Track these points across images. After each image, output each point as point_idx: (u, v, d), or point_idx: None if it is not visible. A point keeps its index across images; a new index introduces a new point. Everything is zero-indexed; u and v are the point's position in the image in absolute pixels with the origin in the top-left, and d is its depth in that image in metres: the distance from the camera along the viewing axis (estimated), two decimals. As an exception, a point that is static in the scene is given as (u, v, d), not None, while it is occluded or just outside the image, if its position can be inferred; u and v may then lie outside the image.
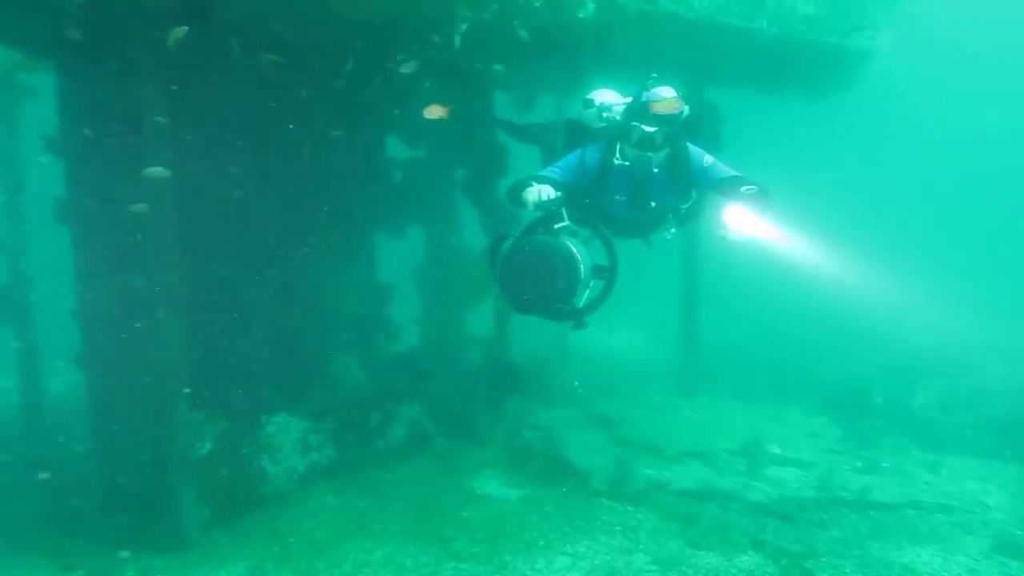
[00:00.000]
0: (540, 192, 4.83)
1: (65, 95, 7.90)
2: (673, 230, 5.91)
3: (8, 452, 9.12)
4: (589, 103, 5.88)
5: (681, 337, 13.30)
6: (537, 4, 6.54)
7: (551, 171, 5.45)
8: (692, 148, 5.46)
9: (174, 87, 6.93)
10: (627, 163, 5.30)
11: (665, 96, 5.30)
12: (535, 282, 4.45)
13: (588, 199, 5.57)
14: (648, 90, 5.38)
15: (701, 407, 12.03)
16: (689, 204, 5.66)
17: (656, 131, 5.13)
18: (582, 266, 4.47)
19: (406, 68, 7.62)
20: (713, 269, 13.56)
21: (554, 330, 14.81)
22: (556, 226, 4.82)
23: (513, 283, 4.56)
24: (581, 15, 6.60)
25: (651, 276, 20.00)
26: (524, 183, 5.00)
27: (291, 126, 8.49)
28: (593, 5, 6.61)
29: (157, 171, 6.80)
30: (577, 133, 5.99)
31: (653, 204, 5.50)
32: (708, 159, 5.47)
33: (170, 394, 7.06)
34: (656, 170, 5.31)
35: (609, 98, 5.88)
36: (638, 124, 5.16)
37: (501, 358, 10.51)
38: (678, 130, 5.33)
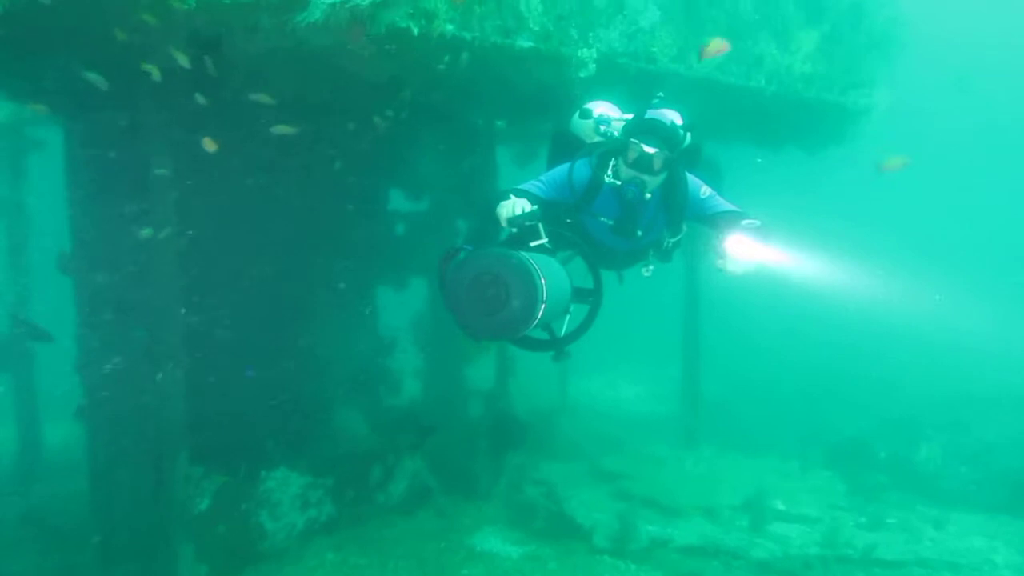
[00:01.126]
0: (514, 206, 4.29)
1: (72, 148, 8.02)
2: (651, 267, 5.30)
3: (5, 504, 9.05)
4: (586, 113, 5.36)
5: (683, 389, 13.24)
6: (540, 64, 6.63)
7: (533, 185, 4.95)
8: (690, 178, 5.01)
9: (180, 141, 7.01)
10: (619, 183, 4.76)
11: (671, 118, 4.93)
12: (485, 303, 3.65)
13: (570, 219, 5.01)
14: (654, 109, 5.01)
15: (704, 460, 11.94)
16: (678, 239, 5.16)
17: (657, 153, 4.64)
18: (542, 284, 3.66)
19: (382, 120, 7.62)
20: (715, 320, 13.57)
21: (556, 382, 14.83)
22: (532, 244, 4.17)
23: (459, 305, 3.74)
24: (583, 75, 6.69)
25: (652, 327, 20.02)
26: (500, 196, 4.49)
27: (294, 179, 8.58)
28: (594, 66, 6.71)
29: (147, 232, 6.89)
30: (566, 146, 5.40)
31: (640, 233, 4.96)
32: (705, 190, 5.04)
33: (170, 448, 7.03)
34: (649, 195, 4.78)
35: (609, 111, 5.40)
36: (638, 142, 4.65)
37: (503, 411, 10.45)
38: (678, 156, 4.88)
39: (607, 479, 10.53)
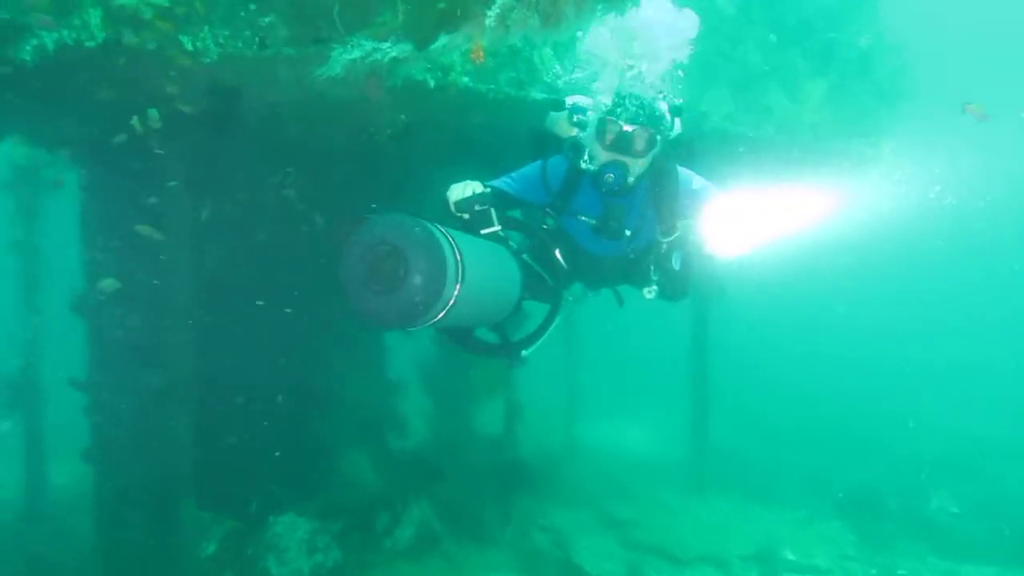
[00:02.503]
0: (464, 188, 3.89)
1: (87, 190, 8.11)
2: (654, 287, 4.57)
3: (11, 546, 9.01)
4: (559, 104, 4.66)
5: (691, 434, 13.18)
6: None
7: (501, 182, 4.47)
8: (681, 169, 4.46)
9: (195, 185, 7.10)
10: (596, 169, 4.19)
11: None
12: (380, 280, 2.97)
13: (548, 223, 4.49)
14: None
15: (713, 508, 11.83)
16: (672, 238, 4.48)
17: (637, 130, 4.06)
18: (456, 260, 3.01)
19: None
20: (722, 362, 13.54)
21: (562, 426, 14.76)
22: (484, 232, 3.77)
23: (350, 282, 3.08)
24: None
25: (658, 369, 19.97)
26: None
27: (304, 220, 8.65)
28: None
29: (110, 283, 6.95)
30: (543, 146, 4.72)
31: (628, 232, 4.39)
32: (699, 181, 4.48)
33: (177, 492, 7.02)
34: (632, 179, 4.21)
35: (584, 101, 4.63)
36: (615, 120, 4.08)
37: (510, 456, 10.42)
38: (666, 142, 4.30)
39: (615, 526, 10.44)
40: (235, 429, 7.78)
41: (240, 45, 4.96)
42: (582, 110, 4.45)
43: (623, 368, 21.98)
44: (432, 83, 5.66)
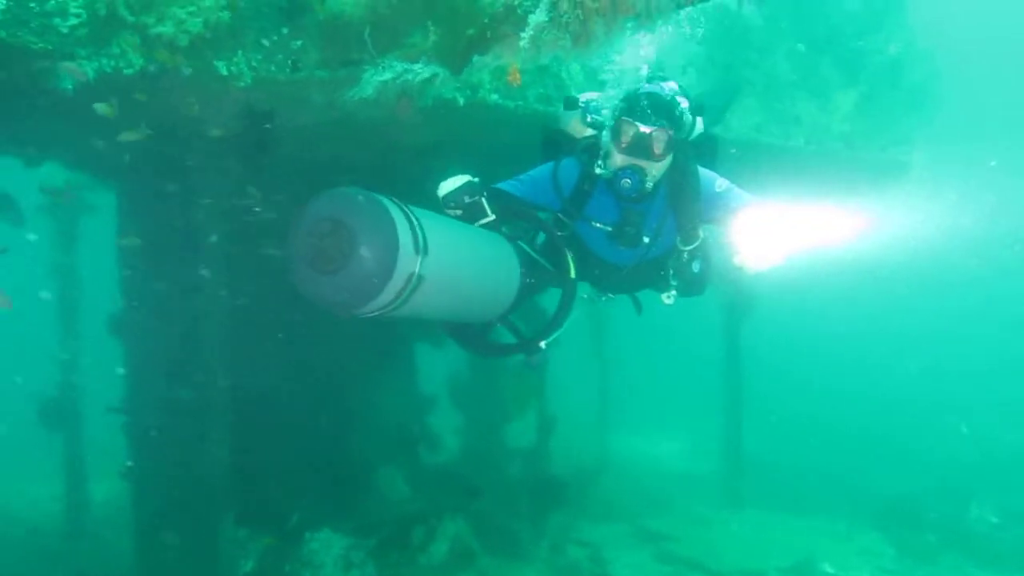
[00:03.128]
0: (451, 183, 3.67)
1: (123, 213, 8.25)
2: (673, 293, 4.27)
3: (53, 562, 9.14)
4: (572, 102, 4.40)
5: (725, 446, 13.09)
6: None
7: (508, 184, 4.18)
8: (703, 171, 4.14)
9: (229, 207, 7.20)
10: (611, 174, 3.89)
11: (672, 93, 3.99)
12: (324, 257, 2.66)
13: (560, 230, 4.14)
14: (650, 84, 4.04)
15: (749, 521, 11.73)
16: (693, 247, 4.15)
17: (655, 132, 3.75)
18: (414, 232, 2.72)
19: None
20: (756, 373, 13.45)
21: (595, 439, 14.72)
22: (480, 223, 3.56)
23: (294, 262, 2.80)
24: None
25: (691, 380, 19.85)
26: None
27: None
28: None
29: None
30: (556, 148, 4.39)
31: (646, 239, 4.09)
32: (722, 183, 4.16)
33: (216, 510, 7.09)
34: (650, 185, 3.90)
35: (600, 101, 4.30)
36: (631, 121, 3.77)
37: (543, 470, 10.41)
38: (684, 140, 4.00)
39: (651, 540, 10.38)
40: (271, 446, 7.85)
41: (273, 69, 5.04)
42: (596, 110, 4.20)
43: (656, 380, 21.88)
44: (462, 101, 5.72)
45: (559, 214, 4.13)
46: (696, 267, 4.21)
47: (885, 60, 9.43)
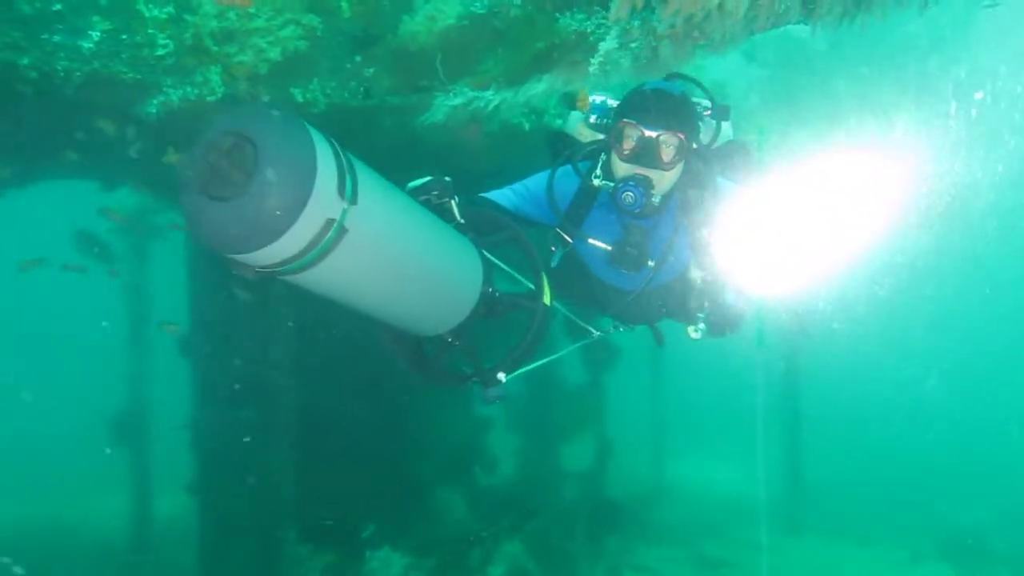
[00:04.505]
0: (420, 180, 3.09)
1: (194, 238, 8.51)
2: (701, 326, 3.62)
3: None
4: (572, 99, 3.85)
5: (784, 472, 12.91)
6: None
7: (498, 193, 3.66)
8: (725, 184, 3.54)
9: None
10: (611, 185, 3.31)
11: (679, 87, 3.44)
12: (222, 180, 2.07)
13: (557, 246, 3.67)
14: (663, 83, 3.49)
15: (808, 549, 11.53)
16: (711, 272, 3.55)
17: (662, 136, 3.21)
18: (332, 160, 2.11)
19: None
20: (816, 398, 13.27)
21: (651, 463, 14.63)
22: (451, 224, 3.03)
23: (186, 190, 2.10)
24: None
25: (748, 405, 19.61)
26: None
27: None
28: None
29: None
30: (560, 150, 3.72)
31: (651, 262, 3.47)
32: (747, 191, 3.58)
33: (279, 526, 7.22)
34: (657, 199, 3.32)
35: (607, 98, 3.76)
36: (635, 123, 3.21)
37: (600, 493, 10.39)
38: (704, 148, 3.47)
39: (708, 566, 10.27)
40: (334, 465, 7.98)
41: (346, 95, 5.20)
42: (604, 111, 3.65)
43: (712, 404, 21.65)
44: (527, 126, 5.82)
45: (557, 229, 3.60)
46: (729, 298, 3.59)
47: (949, 83, 9.34)
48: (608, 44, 4.07)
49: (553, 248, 3.62)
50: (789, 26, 5.81)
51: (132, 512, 11.17)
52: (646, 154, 3.19)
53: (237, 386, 7.86)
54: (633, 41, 3.74)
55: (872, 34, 8.80)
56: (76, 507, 12.53)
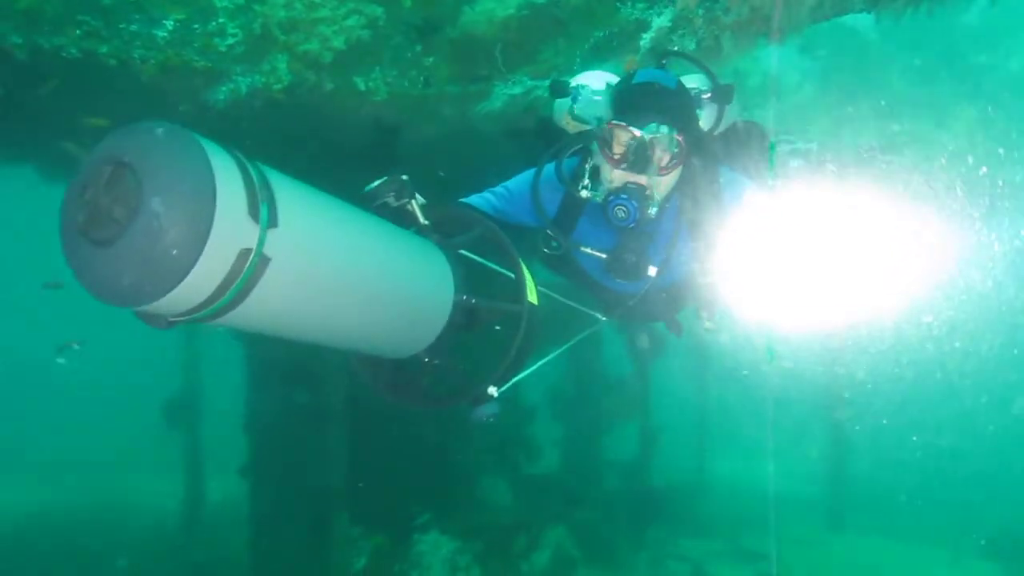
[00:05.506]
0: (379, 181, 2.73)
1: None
2: (716, 316, 3.45)
3: (173, 555, 9.62)
4: (560, 87, 3.26)
5: (827, 468, 12.84)
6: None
7: (479, 198, 3.36)
8: (728, 174, 3.18)
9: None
10: (601, 197, 2.95)
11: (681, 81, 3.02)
12: (101, 218, 1.64)
13: (549, 247, 3.27)
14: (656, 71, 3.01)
15: (849, 545, 11.48)
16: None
17: (657, 137, 2.82)
18: (238, 175, 1.70)
19: None
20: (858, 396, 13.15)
21: (693, 456, 14.61)
22: (414, 228, 2.66)
23: (66, 235, 1.72)
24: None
25: (794, 404, 19.49)
26: None
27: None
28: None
29: None
30: (551, 143, 3.29)
31: (651, 271, 3.12)
32: (755, 192, 3.19)
33: (332, 509, 7.39)
34: (654, 209, 2.94)
35: (595, 82, 3.24)
36: (623, 124, 2.83)
37: (643, 483, 10.44)
38: (706, 137, 3.13)
39: (749, 559, 10.26)
40: (384, 449, 8.12)
41: (406, 84, 5.31)
42: (588, 100, 3.14)
43: (757, 400, 21.49)
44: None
45: (548, 231, 3.23)
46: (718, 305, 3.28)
47: (1005, 75, 9.22)
48: (667, 32, 4.12)
49: (546, 250, 3.24)
50: (844, 16, 5.83)
51: (186, 494, 11.45)
52: (639, 159, 2.82)
53: (289, 370, 8.06)
54: (697, 30, 3.78)
55: (926, 24, 8.73)
56: (130, 488, 12.88)
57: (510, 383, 2.60)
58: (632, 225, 2.85)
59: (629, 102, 2.84)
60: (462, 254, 2.66)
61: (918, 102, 8.41)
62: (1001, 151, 9.04)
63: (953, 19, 8.77)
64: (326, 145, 6.51)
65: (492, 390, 2.54)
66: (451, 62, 5.30)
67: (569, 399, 11.12)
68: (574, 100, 3.15)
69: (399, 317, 2.31)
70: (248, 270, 1.68)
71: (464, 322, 2.51)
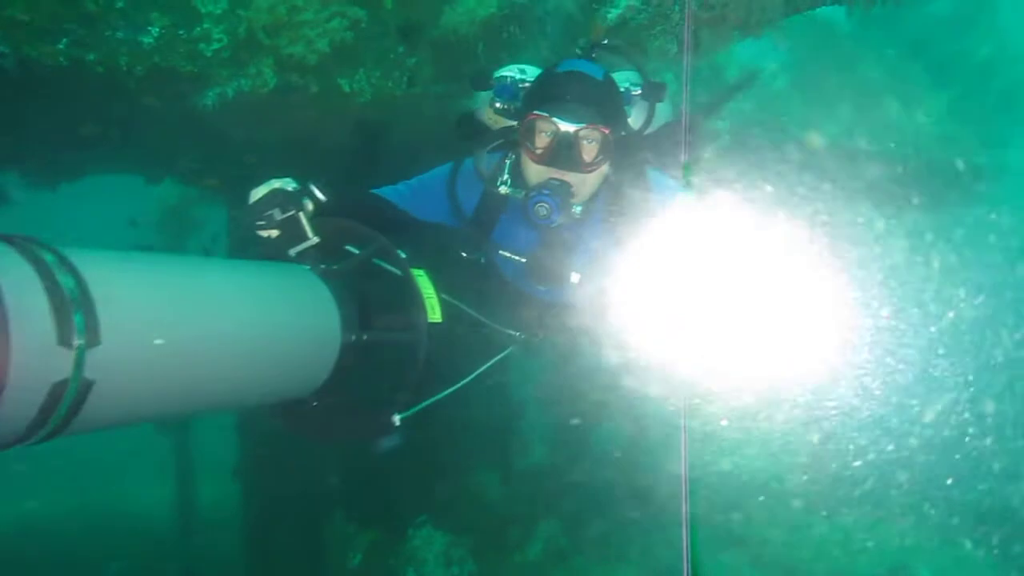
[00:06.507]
0: (261, 190, 2.43)
1: (234, 227, 8.74)
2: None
3: (165, 560, 9.65)
4: (481, 79, 3.12)
5: (813, 449, 12.98)
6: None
7: (394, 191, 3.03)
8: (658, 177, 2.94)
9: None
10: (522, 194, 2.74)
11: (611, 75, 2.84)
12: None
13: (467, 250, 3.07)
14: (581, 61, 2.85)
15: (839, 525, 11.63)
16: None
17: (581, 131, 2.62)
18: (38, 302, 1.36)
19: None
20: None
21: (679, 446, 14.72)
22: (294, 251, 2.36)
23: None
24: (718, 144, 6.97)
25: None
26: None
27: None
28: (728, 137, 6.99)
29: None
30: (472, 137, 3.10)
31: (575, 277, 2.90)
32: (684, 199, 2.94)
33: (325, 506, 7.47)
34: (579, 208, 2.76)
35: (521, 75, 3.07)
36: (547, 115, 2.62)
37: (631, 474, 10.54)
38: (636, 136, 2.91)
39: (739, 543, 10.39)
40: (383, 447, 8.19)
41: (390, 84, 5.39)
42: (512, 91, 2.96)
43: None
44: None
45: (465, 232, 3.01)
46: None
47: (976, 63, 9.40)
48: (645, 29, 4.22)
49: (464, 253, 3.06)
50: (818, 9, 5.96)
51: (177, 497, 11.46)
52: (563, 154, 2.63)
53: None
54: (675, 25, 3.89)
55: (897, 14, 8.90)
56: (121, 491, 12.87)
57: (417, 408, 2.42)
58: (554, 224, 2.65)
59: (552, 92, 2.66)
60: (358, 273, 2.38)
61: (891, 91, 8.58)
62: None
63: (923, 9, 8.97)
64: (312, 147, 6.58)
65: (395, 419, 2.33)
66: (434, 62, 5.40)
67: (559, 393, 11.20)
68: (496, 92, 3.00)
69: (275, 372, 2.02)
70: (69, 399, 1.42)
71: (355, 360, 2.25)
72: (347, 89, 5.25)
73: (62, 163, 6.38)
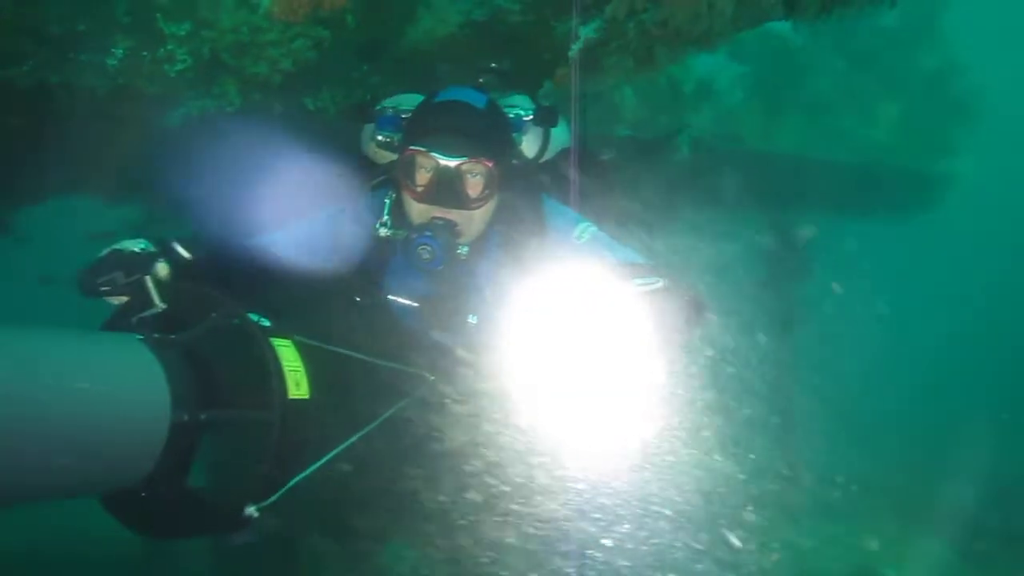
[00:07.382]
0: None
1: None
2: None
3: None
4: (363, 109, 3.01)
5: (778, 454, 13.13)
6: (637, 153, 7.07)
7: (272, 240, 2.74)
8: (554, 206, 2.74)
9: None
10: (403, 235, 2.56)
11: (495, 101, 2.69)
12: None
13: (360, 296, 2.88)
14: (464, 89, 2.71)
15: (805, 530, 11.76)
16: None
17: (464, 164, 2.46)
18: None
19: None
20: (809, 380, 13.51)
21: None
22: (136, 318, 2.10)
23: None
24: (677, 158, 7.11)
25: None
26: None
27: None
28: (687, 149, 7.13)
29: None
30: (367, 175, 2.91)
31: (472, 319, 2.72)
32: (584, 230, 2.66)
33: (298, 525, 7.45)
34: (465, 250, 2.56)
35: (406, 104, 2.91)
36: (425, 150, 2.47)
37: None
38: (530, 165, 2.81)
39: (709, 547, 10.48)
40: (346, 463, 8.20)
41: (355, 102, 5.46)
42: (395, 122, 2.79)
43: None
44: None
45: (354, 278, 2.82)
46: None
47: (924, 73, 9.68)
48: (599, 44, 4.33)
49: (357, 299, 2.87)
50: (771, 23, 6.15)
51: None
52: (445, 191, 2.46)
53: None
54: (630, 41, 4.00)
55: (848, 28, 9.16)
56: (84, 504, 12.64)
57: (281, 492, 2.12)
58: (440, 268, 2.48)
59: (431, 124, 2.49)
60: (209, 345, 2.08)
61: (843, 102, 8.83)
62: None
63: (870, 22, 9.25)
64: (276, 165, 6.63)
65: (251, 511, 2.00)
66: (397, 80, 5.48)
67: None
68: (378, 125, 2.83)
69: (78, 458, 1.75)
70: None
71: (191, 444, 2.00)
72: (312, 107, 5.32)
73: (23, 184, 6.36)
